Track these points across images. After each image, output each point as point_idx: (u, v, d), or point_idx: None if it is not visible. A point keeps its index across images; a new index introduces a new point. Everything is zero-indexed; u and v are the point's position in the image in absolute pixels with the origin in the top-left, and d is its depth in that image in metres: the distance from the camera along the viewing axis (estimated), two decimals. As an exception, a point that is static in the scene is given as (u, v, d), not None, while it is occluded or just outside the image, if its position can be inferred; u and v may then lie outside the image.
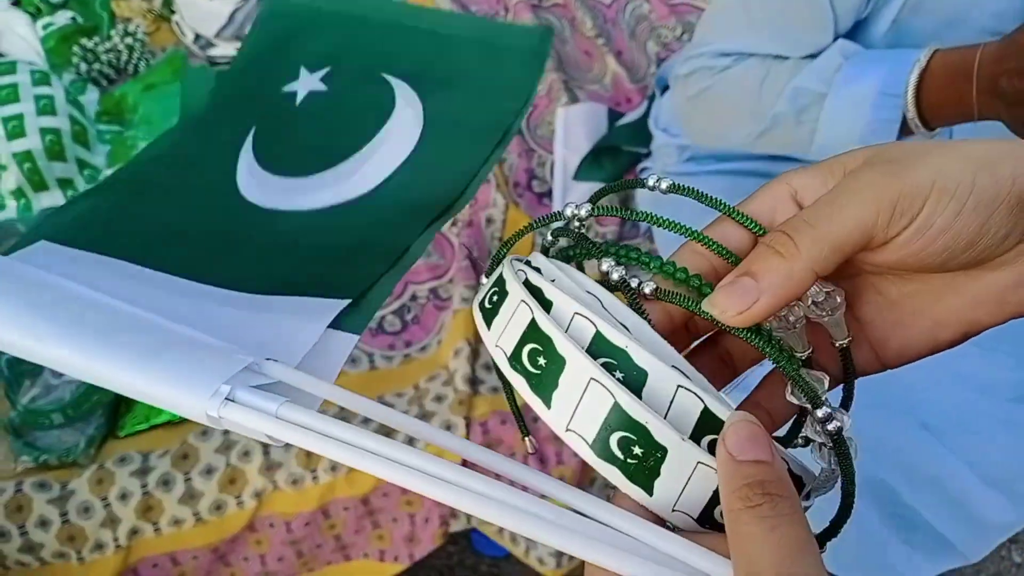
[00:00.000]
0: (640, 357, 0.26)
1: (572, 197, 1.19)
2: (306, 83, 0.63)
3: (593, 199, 0.31)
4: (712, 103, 0.89)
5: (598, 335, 0.26)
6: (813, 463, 0.30)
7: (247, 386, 0.30)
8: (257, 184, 0.56)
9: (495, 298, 0.29)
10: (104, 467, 0.91)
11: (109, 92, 1.26)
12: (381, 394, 0.99)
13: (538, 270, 0.30)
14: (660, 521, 0.27)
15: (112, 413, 0.95)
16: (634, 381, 0.26)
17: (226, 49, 1.30)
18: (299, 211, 0.55)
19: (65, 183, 1.15)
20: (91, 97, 1.26)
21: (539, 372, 0.26)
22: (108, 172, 1.17)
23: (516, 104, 0.59)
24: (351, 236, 0.49)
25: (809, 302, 0.29)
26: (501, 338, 0.27)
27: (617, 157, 1.23)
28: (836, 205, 0.28)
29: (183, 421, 0.95)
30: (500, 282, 0.29)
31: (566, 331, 0.26)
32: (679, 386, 0.26)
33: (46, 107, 1.14)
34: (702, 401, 0.26)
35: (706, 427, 0.26)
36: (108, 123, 1.25)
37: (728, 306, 0.27)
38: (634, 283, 0.29)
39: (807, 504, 0.29)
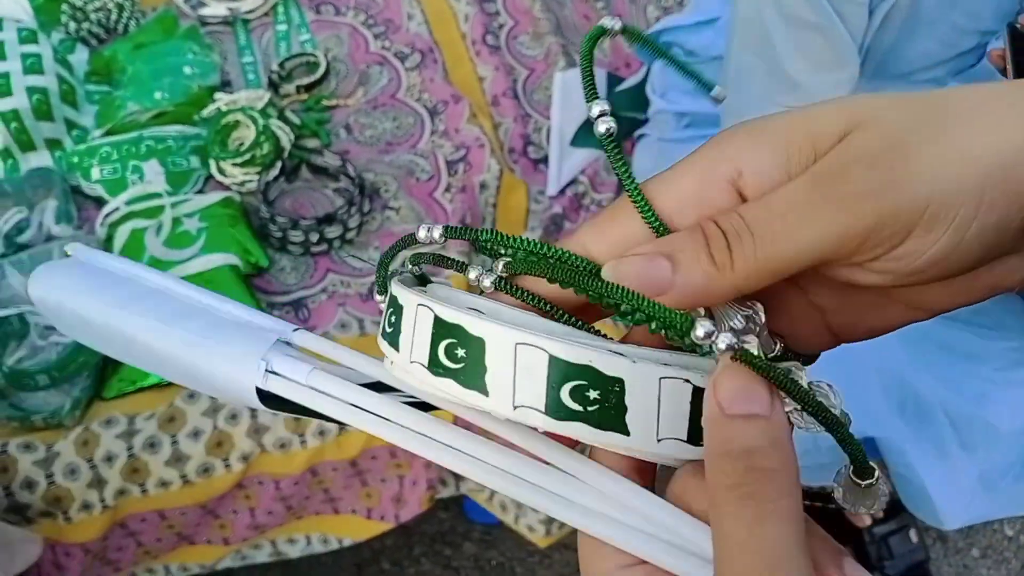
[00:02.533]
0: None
1: (568, 163, 1.17)
2: None
3: (450, 234, 0.28)
4: None
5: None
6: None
7: (282, 354, 0.31)
8: None
9: (393, 318, 0.26)
10: (90, 429, 0.90)
11: (98, 51, 1.24)
12: (372, 358, 0.98)
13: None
14: (650, 474, 0.25)
15: (98, 375, 0.94)
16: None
17: (217, 9, 1.28)
18: None
19: (53, 143, 1.14)
20: (80, 56, 1.24)
21: (463, 364, 0.24)
22: (97, 133, 1.15)
23: None
24: None
25: (725, 327, 0.24)
26: (413, 352, 0.25)
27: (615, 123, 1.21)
28: (793, 221, 0.21)
29: (170, 384, 0.94)
30: (393, 301, 0.27)
31: None
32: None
33: (33, 66, 1.12)
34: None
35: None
36: (97, 83, 1.23)
37: (631, 280, 0.23)
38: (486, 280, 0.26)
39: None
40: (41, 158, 1.13)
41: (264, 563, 1.26)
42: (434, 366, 0.24)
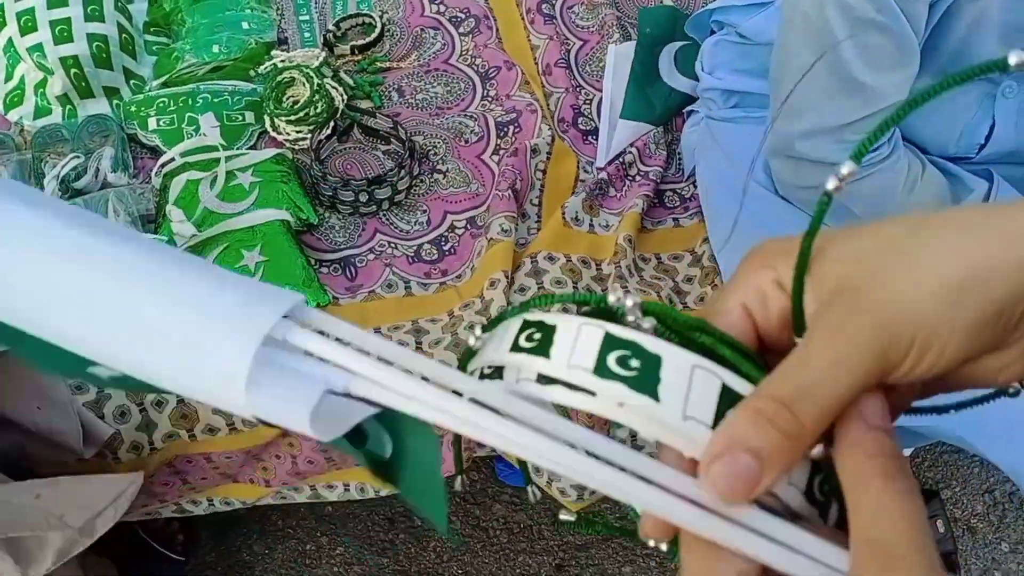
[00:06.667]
0: (654, 346, 0.27)
1: (618, 135, 1.17)
2: None
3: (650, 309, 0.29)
4: (858, 197, 0.90)
5: (608, 336, 0.27)
6: None
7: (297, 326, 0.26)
8: None
9: (537, 335, 0.28)
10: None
11: (158, 3, 1.25)
12: (416, 318, 0.99)
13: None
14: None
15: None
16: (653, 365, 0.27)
17: (276, -35, 1.29)
18: None
19: (111, 91, 1.15)
20: (139, 7, 1.26)
21: (636, 372, 0.26)
22: (155, 83, 1.17)
23: None
24: None
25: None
26: (573, 359, 0.27)
27: (667, 98, 1.21)
28: (834, 377, 0.26)
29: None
30: (537, 324, 0.28)
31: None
32: (695, 366, 0.26)
33: (94, 12, 1.14)
34: (719, 381, 0.26)
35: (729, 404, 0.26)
36: (156, 34, 1.24)
37: (728, 488, 0.25)
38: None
39: None
40: (99, 105, 1.15)
41: (301, 506, 1.30)
42: (600, 372, 0.26)
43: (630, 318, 0.27)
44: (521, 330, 0.28)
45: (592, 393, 0.26)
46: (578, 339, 0.27)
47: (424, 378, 0.26)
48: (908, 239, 0.27)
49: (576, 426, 0.26)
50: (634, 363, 0.26)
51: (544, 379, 0.27)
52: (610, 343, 0.26)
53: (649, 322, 0.27)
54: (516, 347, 0.27)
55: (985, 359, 0.28)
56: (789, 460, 0.25)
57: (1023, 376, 0.29)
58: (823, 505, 0.27)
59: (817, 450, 0.26)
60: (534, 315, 0.28)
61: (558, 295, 0.30)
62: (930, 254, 0.27)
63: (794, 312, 0.28)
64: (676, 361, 0.26)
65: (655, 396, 0.26)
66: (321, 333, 0.27)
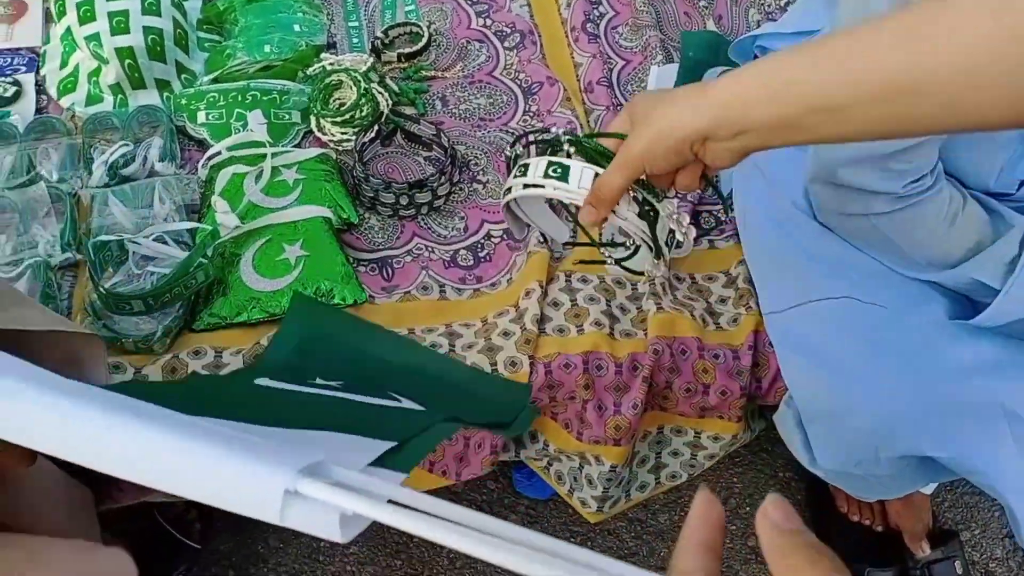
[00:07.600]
0: (566, 162, 0.71)
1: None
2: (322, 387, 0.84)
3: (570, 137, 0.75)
4: (898, 226, 0.91)
5: (550, 163, 0.72)
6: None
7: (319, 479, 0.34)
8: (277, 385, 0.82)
9: (559, 170, 0.71)
10: (179, 357, 0.93)
11: (212, 1, 1.28)
12: (450, 322, 1.00)
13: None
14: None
15: (190, 307, 0.98)
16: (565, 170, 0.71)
17: (329, -29, 1.31)
18: (320, 393, 0.80)
19: (163, 84, 1.18)
20: (194, 4, 1.28)
21: (559, 174, 0.71)
22: (206, 79, 1.19)
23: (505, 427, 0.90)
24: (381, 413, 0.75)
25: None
26: (533, 174, 0.73)
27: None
28: (613, 172, 0.68)
29: (258, 323, 0.97)
30: (558, 163, 0.71)
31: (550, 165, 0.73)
32: (583, 167, 0.71)
33: (151, 6, 1.16)
34: (594, 171, 0.70)
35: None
36: (208, 32, 1.27)
37: (586, 216, 0.71)
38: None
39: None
40: (150, 97, 1.18)
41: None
42: (545, 176, 0.71)
43: (565, 147, 0.71)
44: (548, 166, 0.71)
45: (542, 186, 0.70)
46: (537, 166, 0.71)
47: (404, 504, 0.32)
48: (657, 104, 0.64)
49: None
50: (559, 171, 0.70)
51: (527, 186, 0.72)
52: (549, 164, 0.70)
53: (571, 147, 0.72)
54: (547, 175, 0.71)
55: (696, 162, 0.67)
56: (604, 209, 0.69)
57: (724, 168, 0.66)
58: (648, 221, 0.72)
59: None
60: (556, 159, 0.71)
61: (553, 132, 0.75)
62: (657, 116, 0.64)
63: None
64: (576, 165, 0.70)
65: (567, 180, 0.70)
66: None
